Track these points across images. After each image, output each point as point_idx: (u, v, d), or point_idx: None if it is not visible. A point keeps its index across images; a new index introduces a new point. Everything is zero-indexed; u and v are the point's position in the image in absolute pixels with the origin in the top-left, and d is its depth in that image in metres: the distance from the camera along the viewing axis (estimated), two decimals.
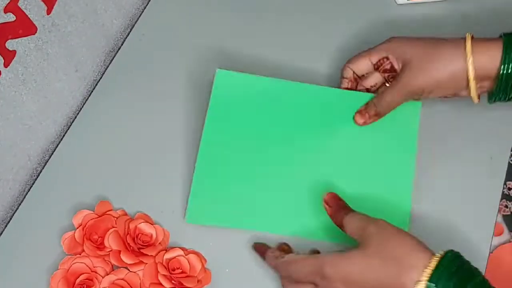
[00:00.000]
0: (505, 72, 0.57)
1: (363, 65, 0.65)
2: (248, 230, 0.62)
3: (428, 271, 0.47)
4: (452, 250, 0.49)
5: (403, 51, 0.62)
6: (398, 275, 0.48)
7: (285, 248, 0.59)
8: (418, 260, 0.48)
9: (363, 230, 0.52)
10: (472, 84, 0.58)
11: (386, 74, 0.65)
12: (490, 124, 0.68)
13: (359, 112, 0.64)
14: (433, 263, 0.48)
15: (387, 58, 0.64)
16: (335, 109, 0.65)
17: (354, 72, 0.66)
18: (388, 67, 0.64)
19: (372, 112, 0.63)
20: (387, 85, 0.66)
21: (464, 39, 0.59)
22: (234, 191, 0.61)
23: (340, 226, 0.56)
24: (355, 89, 0.67)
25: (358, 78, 0.67)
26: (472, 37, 0.59)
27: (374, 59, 0.65)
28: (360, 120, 0.64)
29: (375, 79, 0.66)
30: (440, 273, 0.47)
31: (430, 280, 0.47)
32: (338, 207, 0.57)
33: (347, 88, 0.66)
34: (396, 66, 0.63)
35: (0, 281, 0.61)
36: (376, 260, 0.50)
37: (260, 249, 0.60)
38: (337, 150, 0.64)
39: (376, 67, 0.65)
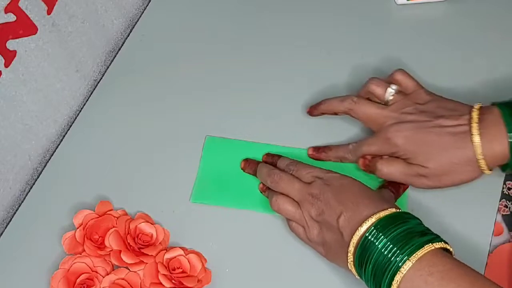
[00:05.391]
0: None
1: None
2: (248, 231, 0.62)
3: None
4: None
5: None
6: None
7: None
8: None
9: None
10: (487, 172, 0.58)
11: None
12: None
13: (363, 159, 0.62)
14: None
15: None
16: None
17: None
18: None
19: (372, 167, 0.62)
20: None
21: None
22: (234, 179, 0.66)
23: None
24: None
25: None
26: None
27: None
28: (361, 162, 0.62)
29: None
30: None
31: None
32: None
33: None
34: None
35: (0, 281, 0.61)
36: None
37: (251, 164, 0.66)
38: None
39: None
